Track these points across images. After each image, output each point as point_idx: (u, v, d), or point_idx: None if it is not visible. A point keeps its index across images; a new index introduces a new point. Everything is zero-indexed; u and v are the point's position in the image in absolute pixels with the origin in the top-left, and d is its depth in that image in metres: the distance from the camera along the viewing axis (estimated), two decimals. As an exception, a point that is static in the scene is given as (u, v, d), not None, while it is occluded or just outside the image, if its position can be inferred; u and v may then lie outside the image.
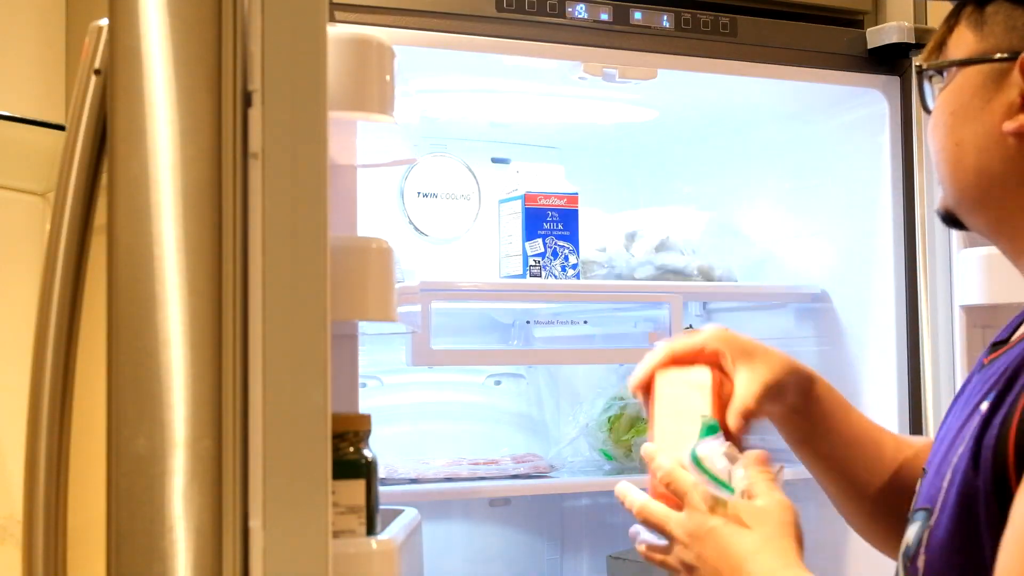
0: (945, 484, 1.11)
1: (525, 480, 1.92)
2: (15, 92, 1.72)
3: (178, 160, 0.92)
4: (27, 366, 1.02)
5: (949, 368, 1.89)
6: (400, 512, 1.30)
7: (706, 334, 1.35)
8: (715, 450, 1.20)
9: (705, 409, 1.26)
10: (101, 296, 0.93)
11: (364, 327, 1.46)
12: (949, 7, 1.23)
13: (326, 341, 0.94)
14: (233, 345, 0.91)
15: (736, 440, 1.25)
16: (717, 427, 1.22)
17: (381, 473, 1.57)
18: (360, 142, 1.32)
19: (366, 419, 1.14)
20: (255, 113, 0.93)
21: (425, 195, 2.05)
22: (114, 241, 0.92)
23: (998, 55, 1.16)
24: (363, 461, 1.11)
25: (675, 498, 1.21)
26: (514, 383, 2.32)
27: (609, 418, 2.09)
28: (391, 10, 1.64)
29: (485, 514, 2.26)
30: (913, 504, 1.21)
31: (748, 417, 1.29)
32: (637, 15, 1.78)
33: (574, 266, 1.97)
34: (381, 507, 1.15)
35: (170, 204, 0.92)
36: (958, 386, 1.45)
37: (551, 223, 1.98)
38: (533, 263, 1.96)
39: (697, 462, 1.19)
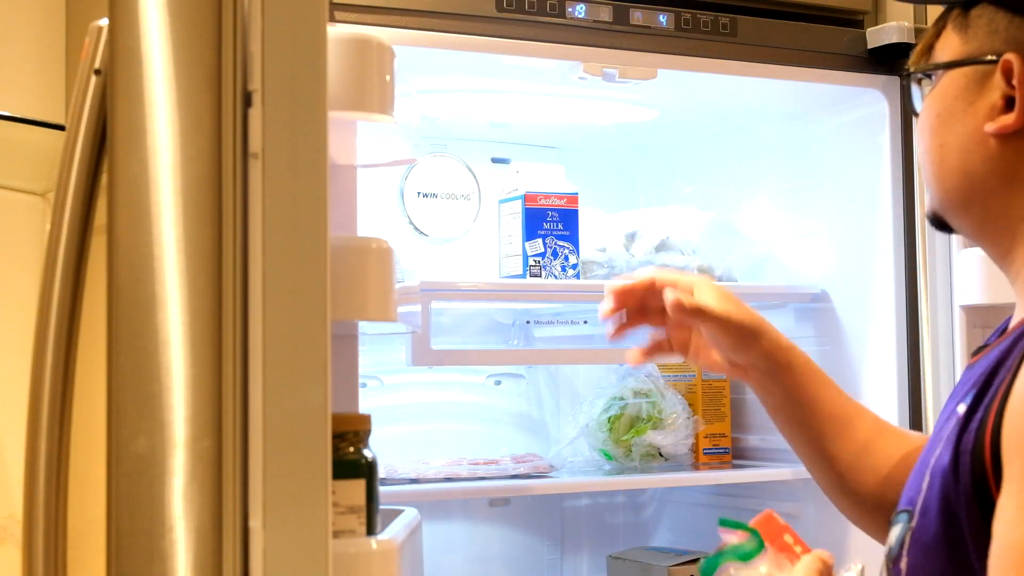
0: (924, 486, 1.11)
1: (525, 480, 1.92)
2: (15, 92, 1.72)
3: (178, 160, 0.92)
4: (27, 366, 1.02)
5: (949, 368, 1.89)
6: (400, 512, 1.30)
7: (699, 277, 1.41)
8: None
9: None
10: (101, 296, 0.93)
11: (364, 327, 1.46)
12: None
13: (326, 341, 0.94)
14: (233, 345, 0.91)
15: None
16: (757, 548, 1.11)
17: (381, 473, 1.57)
18: (360, 142, 1.32)
19: (366, 419, 1.14)
20: (255, 113, 0.93)
21: (425, 195, 2.05)
22: (114, 241, 0.92)
23: (980, 57, 1.16)
24: (363, 461, 1.11)
25: None
26: (514, 383, 2.32)
27: (609, 418, 2.09)
28: (391, 10, 1.64)
29: (485, 514, 2.26)
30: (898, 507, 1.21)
31: (706, 315, 1.33)
32: (637, 15, 1.78)
33: (574, 266, 1.97)
34: (381, 507, 1.15)
35: (170, 204, 0.92)
36: (957, 386, 1.45)
37: (551, 223, 1.98)
38: (533, 263, 1.96)
39: None
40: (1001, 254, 1.20)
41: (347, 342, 1.36)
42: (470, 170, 2.09)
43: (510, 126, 2.20)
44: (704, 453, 2.16)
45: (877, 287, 1.97)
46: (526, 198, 1.96)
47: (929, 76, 1.23)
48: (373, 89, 1.17)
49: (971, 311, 1.85)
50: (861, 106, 1.98)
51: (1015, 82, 1.13)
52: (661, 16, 1.79)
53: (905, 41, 1.88)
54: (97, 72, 1.02)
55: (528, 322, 2.22)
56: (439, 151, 2.10)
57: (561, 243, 1.97)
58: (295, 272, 0.93)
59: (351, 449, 1.10)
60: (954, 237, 1.86)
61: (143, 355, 0.90)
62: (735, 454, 2.20)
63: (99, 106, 1.02)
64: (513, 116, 2.14)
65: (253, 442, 0.91)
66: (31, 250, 1.57)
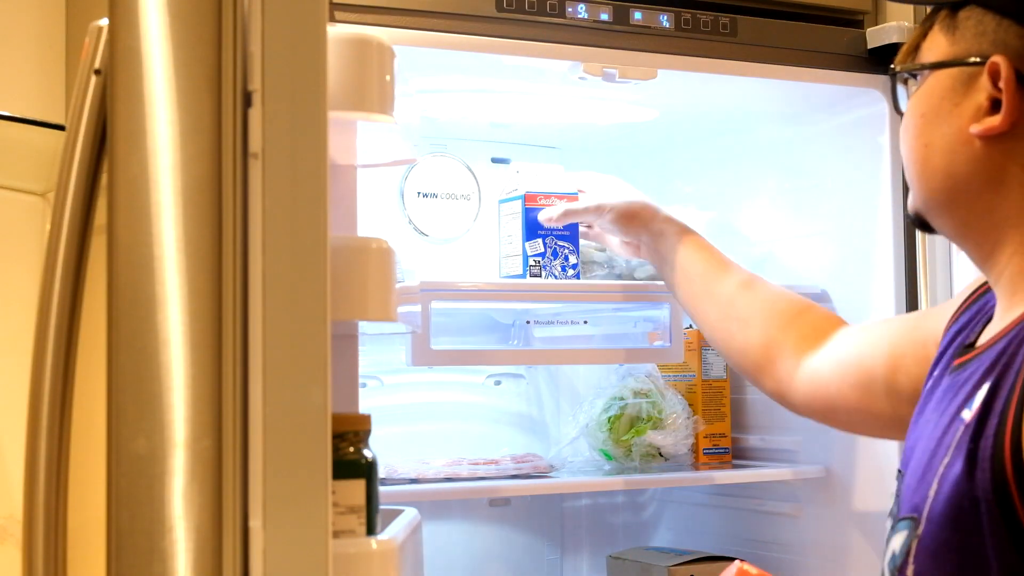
0: (932, 494, 1.11)
1: (525, 480, 1.92)
2: (15, 92, 1.72)
3: (178, 160, 0.92)
4: (27, 366, 1.02)
5: (949, 368, 1.89)
6: (400, 512, 1.30)
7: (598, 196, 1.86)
8: None
9: None
10: (101, 296, 0.93)
11: (364, 327, 1.46)
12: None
13: (326, 341, 0.94)
14: (233, 345, 0.91)
15: None
16: None
17: (381, 473, 1.57)
18: (360, 142, 1.32)
19: (366, 419, 1.13)
20: (255, 113, 0.93)
21: (425, 195, 2.05)
22: (114, 241, 0.92)
23: (968, 59, 1.16)
24: (363, 461, 1.11)
25: None
26: (514, 383, 2.32)
27: (609, 418, 2.09)
28: (391, 10, 1.64)
29: (485, 514, 2.26)
30: (894, 511, 1.21)
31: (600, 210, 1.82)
32: (637, 15, 1.78)
33: (574, 266, 1.97)
34: (381, 507, 1.15)
35: (170, 204, 0.92)
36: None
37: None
38: (533, 263, 1.96)
39: None
40: (983, 256, 1.20)
41: (347, 342, 1.36)
42: (470, 170, 2.09)
43: (510, 126, 2.20)
44: (704, 453, 2.16)
45: (877, 287, 1.97)
46: (526, 198, 1.96)
47: (915, 76, 1.23)
48: (373, 89, 1.17)
49: (971, 311, 1.85)
50: (861, 106, 1.98)
51: (1002, 84, 1.13)
52: (661, 16, 1.79)
53: (905, 41, 1.88)
54: (97, 72, 1.02)
55: (528, 322, 2.21)
56: (439, 151, 2.09)
57: (561, 243, 1.97)
58: (295, 272, 0.93)
59: (351, 449, 1.10)
60: (954, 237, 1.86)
61: (143, 355, 0.90)
62: (735, 454, 2.20)
63: (99, 106, 1.02)
64: (513, 116, 2.14)
65: (253, 442, 0.91)
66: (31, 250, 1.57)
